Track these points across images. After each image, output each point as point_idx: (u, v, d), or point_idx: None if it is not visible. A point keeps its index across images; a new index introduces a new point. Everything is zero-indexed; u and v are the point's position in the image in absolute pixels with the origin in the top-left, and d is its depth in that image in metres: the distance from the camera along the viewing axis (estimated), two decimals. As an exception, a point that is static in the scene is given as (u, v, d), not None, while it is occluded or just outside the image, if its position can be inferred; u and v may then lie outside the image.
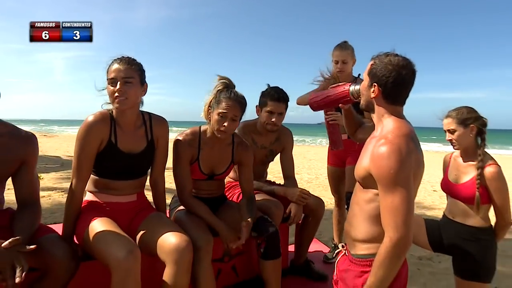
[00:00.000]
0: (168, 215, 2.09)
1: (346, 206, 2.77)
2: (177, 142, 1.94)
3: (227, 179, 2.47)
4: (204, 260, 1.70)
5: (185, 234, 1.62)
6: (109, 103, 1.68)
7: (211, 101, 1.90)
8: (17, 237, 1.33)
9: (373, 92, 1.33)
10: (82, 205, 1.73)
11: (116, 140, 1.67)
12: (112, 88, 1.62)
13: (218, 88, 1.91)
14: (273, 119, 2.26)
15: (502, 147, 24.31)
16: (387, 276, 1.20)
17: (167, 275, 1.54)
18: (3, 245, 1.30)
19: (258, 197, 2.23)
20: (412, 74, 1.30)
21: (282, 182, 2.59)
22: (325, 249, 2.99)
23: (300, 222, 2.48)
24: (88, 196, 1.76)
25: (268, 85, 2.35)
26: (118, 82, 1.60)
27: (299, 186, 2.41)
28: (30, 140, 1.62)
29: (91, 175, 1.72)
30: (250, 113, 2.31)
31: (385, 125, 1.32)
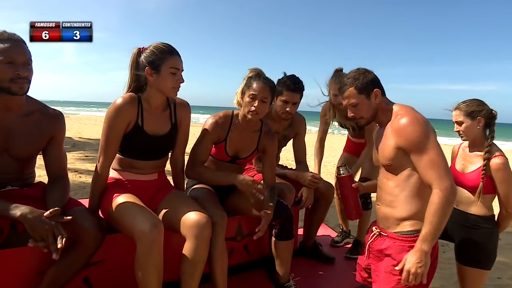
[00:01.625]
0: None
1: None
2: (208, 121, 2.04)
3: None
4: (219, 235, 1.80)
5: (204, 212, 1.71)
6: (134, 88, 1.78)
7: (243, 88, 2.00)
8: (56, 208, 1.45)
9: (376, 98, 1.55)
10: (107, 182, 1.82)
11: (142, 122, 1.75)
12: (175, 78, 1.72)
13: (249, 75, 2.01)
14: (288, 109, 2.32)
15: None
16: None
17: (187, 249, 1.65)
18: (44, 214, 1.42)
19: None
20: None
21: (293, 167, 2.66)
22: (333, 234, 3.09)
23: (310, 205, 2.58)
24: (113, 174, 1.85)
25: (285, 73, 2.39)
26: (180, 74, 1.73)
27: None
28: (58, 117, 1.73)
29: (117, 154, 1.81)
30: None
31: (390, 112, 1.55)
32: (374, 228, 1.64)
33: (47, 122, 1.67)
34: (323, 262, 2.55)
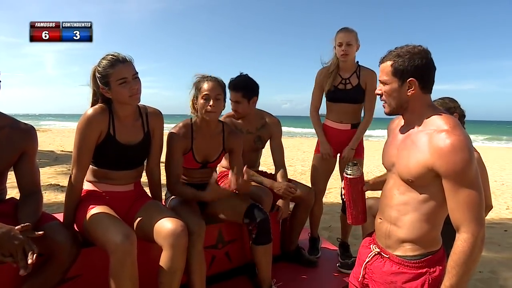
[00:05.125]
0: (163, 204, 2.17)
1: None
2: (171, 134, 2.04)
3: (219, 168, 2.57)
4: (197, 244, 1.79)
5: (180, 220, 1.70)
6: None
7: (194, 95, 2.03)
8: (27, 223, 1.42)
9: (410, 90, 1.28)
10: (82, 194, 1.80)
11: (114, 132, 1.75)
12: (127, 87, 1.66)
13: (196, 81, 2.03)
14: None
15: (493, 139, 24.54)
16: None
17: (164, 258, 1.63)
18: (16, 228, 1.38)
19: None
20: (431, 56, 1.30)
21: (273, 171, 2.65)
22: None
23: (290, 211, 2.57)
24: (87, 186, 1.83)
25: (241, 73, 2.45)
26: (131, 81, 1.67)
27: (293, 178, 2.47)
28: (29, 132, 1.70)
29: (90, 166, 1.80)
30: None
31: (430, 118, 1.28)
32: (372, 246, 1.45)
33: (18, 137, 1.65)
34: (306, 266, 2.54)
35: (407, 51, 1.27)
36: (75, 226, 1.77)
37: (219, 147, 2.16)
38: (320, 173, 2.73)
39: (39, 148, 1.81)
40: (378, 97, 1.40)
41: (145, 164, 1.97)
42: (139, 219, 1.77)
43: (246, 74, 2.43)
